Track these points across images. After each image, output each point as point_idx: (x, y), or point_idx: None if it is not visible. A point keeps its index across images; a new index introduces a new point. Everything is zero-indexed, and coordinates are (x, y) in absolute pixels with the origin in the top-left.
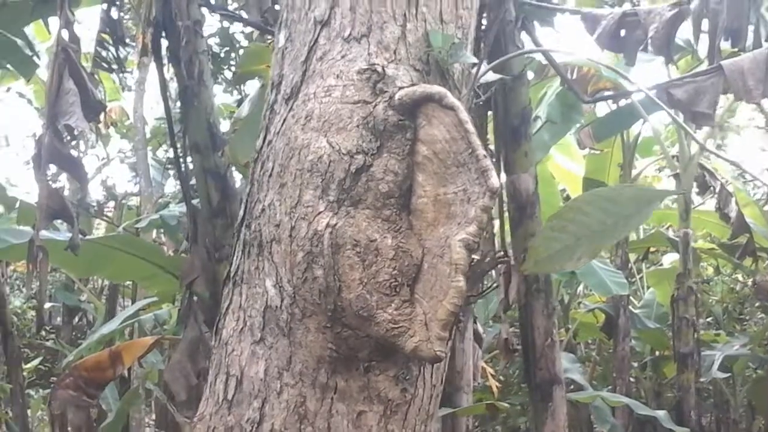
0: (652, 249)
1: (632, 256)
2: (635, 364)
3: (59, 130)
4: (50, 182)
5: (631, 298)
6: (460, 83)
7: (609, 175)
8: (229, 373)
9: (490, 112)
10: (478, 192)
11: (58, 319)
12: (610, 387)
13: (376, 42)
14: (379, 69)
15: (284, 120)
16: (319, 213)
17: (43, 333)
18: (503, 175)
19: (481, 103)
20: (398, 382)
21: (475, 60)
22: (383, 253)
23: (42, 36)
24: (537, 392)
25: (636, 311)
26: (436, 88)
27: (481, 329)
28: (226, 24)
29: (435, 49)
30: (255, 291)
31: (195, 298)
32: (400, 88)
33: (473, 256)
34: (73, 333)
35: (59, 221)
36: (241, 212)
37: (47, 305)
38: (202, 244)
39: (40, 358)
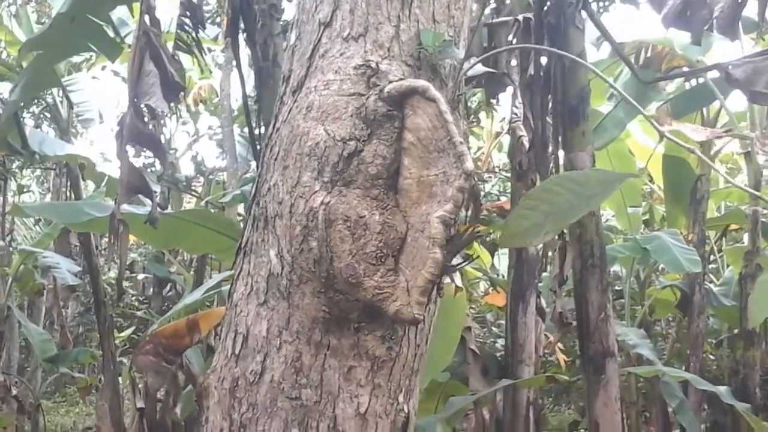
0: (732, 227)
1: (712, 235)
2: (713, 341)
3: (140, 109)
4: (131, 159)
5: (711, 275)
6: (448, 77)
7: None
8: (237, 331)
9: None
10: (455, 174)
11: (150, 289)
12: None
13: (371, 41)
14: (373, 65)
15: (290, 110)
16: (315, 192)
17: (136, 303)
18: (561, 153)
19: (541, 83)
20: (384, 341)
21: (461, 56)
22: (371, 228)
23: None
24: (590, 365)
25: (715, 289)
26: (421, 82)
27: (544, 303)
28: None
29: (426, 47)
30: (261, 260)
31: None
32: (391, 81)
33: (456, 229)
34: (164, 303)
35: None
36: (253, 191)
37: (140, 276)
38: None
39: (133, 327)
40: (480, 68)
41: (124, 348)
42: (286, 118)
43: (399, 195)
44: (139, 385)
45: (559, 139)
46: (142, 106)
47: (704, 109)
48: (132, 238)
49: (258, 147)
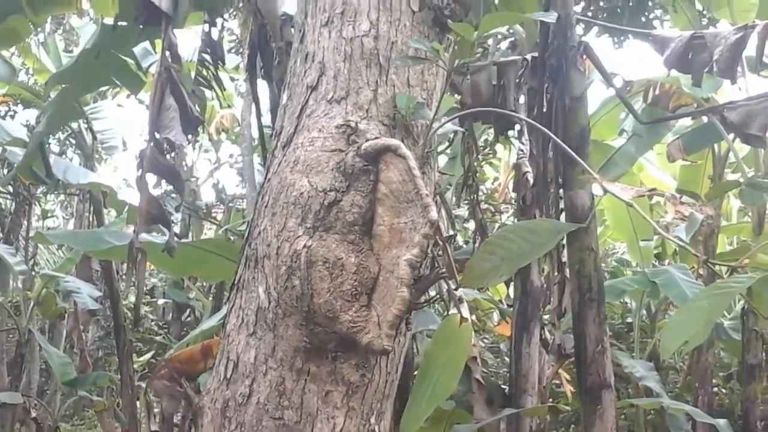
0: (745, 261)
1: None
2: (723, 375)
3: (160, 142)
4: (150, 190)
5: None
6: (420, 135)
7: (702, 187)
8: (229, 358)
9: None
10: (421, 222)
11: (170, 315)
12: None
13: (352, 103)
14: (353, 124)
15: (279, 163)
16: (299, 236)
17: (155, 328)
18: (561, 191)
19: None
20: (358, 368)
21: (430, 116)
22: (347, 269)
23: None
24: (587, 396)
25: (725, 323)
26: (393, 141)
27: (548, 335)
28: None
29: (400, 109)
30: (251, 295)
31: None
32: (368, 140)
33: (422, 271)
34: (182, 329)
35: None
36: (246, 233)
37: (160, 302)
38: None
39: (152, 352)
40: (450, 126)
41: (143, 372)
42: (276, 170)
43: (373, 240)
44: (155, 409)
45: (560, 177)
46: (161, 139)
47: (715, 145)
48: (147, 264)
49: None
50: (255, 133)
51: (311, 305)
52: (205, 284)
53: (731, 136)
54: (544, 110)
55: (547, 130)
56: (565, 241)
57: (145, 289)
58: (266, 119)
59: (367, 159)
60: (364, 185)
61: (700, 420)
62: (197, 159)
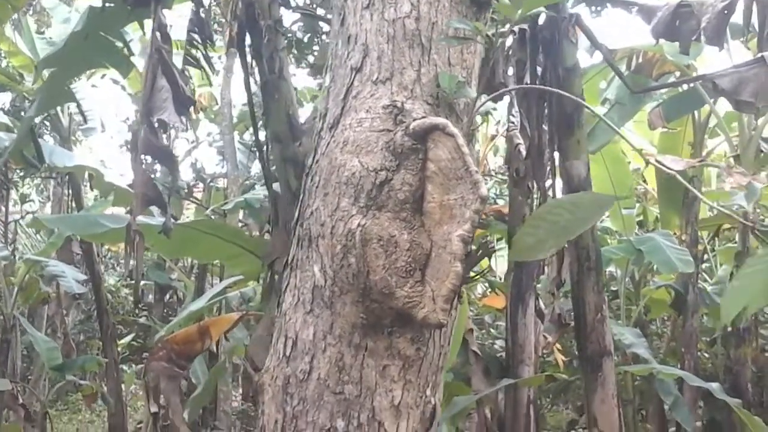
0: (725, 227)
1: (705, 235)
2: (707, 340)
3: (153, 124)
4: (146, 171)
5: (704, 275)
6: (463, 113)
7: (681, 154)
8: (287, 336)
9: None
10: (472, 199)
11: (150, 296)
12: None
13: (397, 84)
14: (399, 105)
15: (327, 144)
16: (353, 216)
17: (136, 310)
18: (557, 161)
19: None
20: (414, 342)
21: (474, 95)
22: (401, 246)
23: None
24: (588, 364)
25: (708, 288)
26: (441, 120)
27: (543, 305)
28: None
29: (443, 88)
30: (306, 274)
31: (276, 276)
32: (415, 119)
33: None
34: (164, 310)
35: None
36: (296, 214)
37: (141, 283)
38: (283, 226)
39: (132, 335)
40: (490, 105)
41: (124, 355)
42: (324, 151)
43: (424, 217)
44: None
45: (555, 147)
46: (154, 120)
47: (696, 112)
48: None
49: (264, 156)
50: (234, 111)
51: (367, 282)
52: (186, 264)
53: (715, 102)
54: (537, 81)
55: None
56: None
57: (125, 272)
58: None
59: (415, 138)
60: (413, 164)
61: (693, 384)
62: (175, 138)
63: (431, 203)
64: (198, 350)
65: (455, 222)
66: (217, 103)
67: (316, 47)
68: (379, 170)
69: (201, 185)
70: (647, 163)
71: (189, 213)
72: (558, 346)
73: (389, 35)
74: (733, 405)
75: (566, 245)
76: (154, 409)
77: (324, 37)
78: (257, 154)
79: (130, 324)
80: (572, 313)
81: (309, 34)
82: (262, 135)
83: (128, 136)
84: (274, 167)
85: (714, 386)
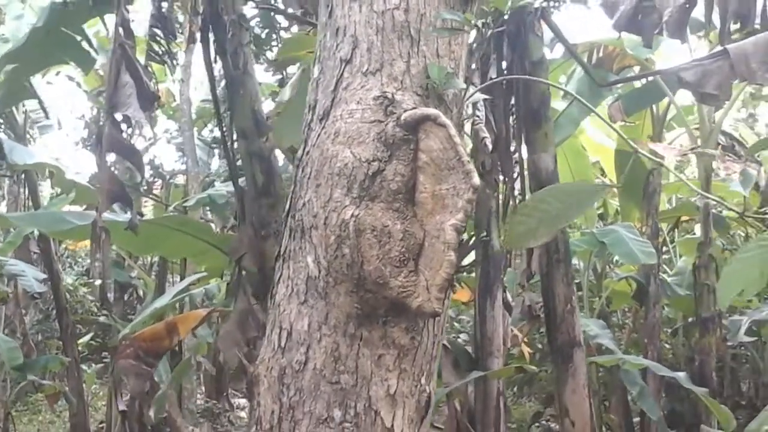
0: (684, 218)
1: (665, 226)
2: (668, 331)
3: (117, 120)
4: (111, 168)
5: (664, 266)
6: (452, 103)
7: (641, 147)
8: (282, 327)
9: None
10: (464, 188)
11: (109, 295)
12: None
13: (387, 75)
14: (390, 96)
15: (318, 135)
16: (346, 206)
17: (95, 309)
18: (525, 154)
19: (504, 86)
20: (408, 332)
21: (463, 86)
22: (394, 236)
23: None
24: (558, 354)
25: (669, 279)
26: (433, 110)
27: (510, 298)
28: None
29: (432, 79)
30: (299, 265)
31: (243, 272)
32: (405, 110)
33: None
34: (125, 308)
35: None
36: (287, 206)
37: (98, 282)
38: (249, 222)
39: (91, 334)
40: (479, 96)
41: (83, 355)
42: (315, 143)
43: (416, 207)
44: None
45: (522, 140)
46: (118, 117)
47: (654, 105)
48: (84, 244)
49: (229, 152)
50: (195, 105)
51: (361, 272)
52: (146, 262)
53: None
54: (503, 75)
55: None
56: None
57: (82, 270)
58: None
59: (406, 129)
60: (405, 154)
61: (660, 374)
62: (132, 135)
63: (423, 193)
64: (166, 347)
65: (447, 212)
66: (174, 100)
67: (273, 42)
68: (372, 161)
69: (160, 182)
70: (636, 152)
71: (147, 210)
72: (523, 338)
73: (378, 27)
74: (700, 394)
75: None
76: (122, 406)
77: (282, 32)
78: (223, 149)
79: (89, 323)
80: (541, 305)
81: (267, 30)
82: (225, 131)
83: (84, 133)
84: (239, 163)
85: (681, 376)
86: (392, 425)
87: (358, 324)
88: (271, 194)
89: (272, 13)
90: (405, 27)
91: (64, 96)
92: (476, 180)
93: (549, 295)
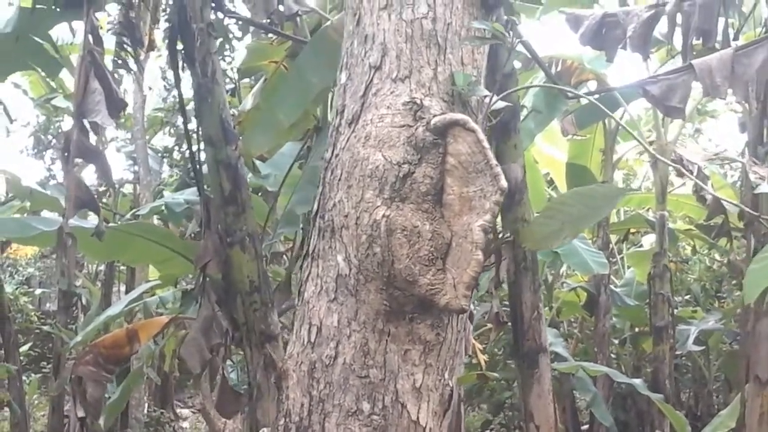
0: (632, 230)
1: (613, 238)
2: (615, 341)
3: (85, 126)
4: (78, 174)
5: (612, 277)
6: (476, 110)
7: (591, 160)
8: (311, 323)
9: None
10: (491, 190)
11: (48, 304)
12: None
13: (415, 81)
14: (418, 101)
15: (348, 139)
16: (377, 207)
17: (35, 318)
18: None
19: None
20: (433, 328)
21: (487, 93)
22: (423, 236)
23: None
24: (524, 360)
25: (617, 290)
26: (461, 116)
27: (472, 306)
28: (220, 15)
29: (458, 86)
30: (329, 264)
31: (208, 279)
32: (434, 115)
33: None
34: (67, 318)
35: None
36: (315, 206)
37: (38, 291)
38: (215, 230)
39: (30, 343)
40: (501, 104)
41: (23, 364)
42: (345, 146)
43: (443, 208)
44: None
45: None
46: (87, 123)
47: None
48: (24, 252)
49: (196, 161)
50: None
51: (392, 270)
52: (91, 271)
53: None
54: None
55: None
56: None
57: (22, 279)
58: (152, 100)
59: (436, 133)
60: (434, 157)
61: (619, 380)
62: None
63: (450, 195)
64: (126, 354)
65: (475, 213)
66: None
67: (226, 52)
68: (402, 164)
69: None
70: (655, 159)
71: (92, 219)
72: (479, 346)
73: (407, 35)
74: (656, 400)
75: (503, 245)
76: (81, 413)
77: (234, 41)
78: (189, 158)
79: (28, 332)
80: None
81: (221, 39)
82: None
83: (30, 141)
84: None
85: (637, 382)
86: (418, 418)
87: (386, 320)
88: (238, 202)
89: (224, 23)
90: (432, 35)
91: (7, 103)
92: (504, 183)
93: (516, 302)
